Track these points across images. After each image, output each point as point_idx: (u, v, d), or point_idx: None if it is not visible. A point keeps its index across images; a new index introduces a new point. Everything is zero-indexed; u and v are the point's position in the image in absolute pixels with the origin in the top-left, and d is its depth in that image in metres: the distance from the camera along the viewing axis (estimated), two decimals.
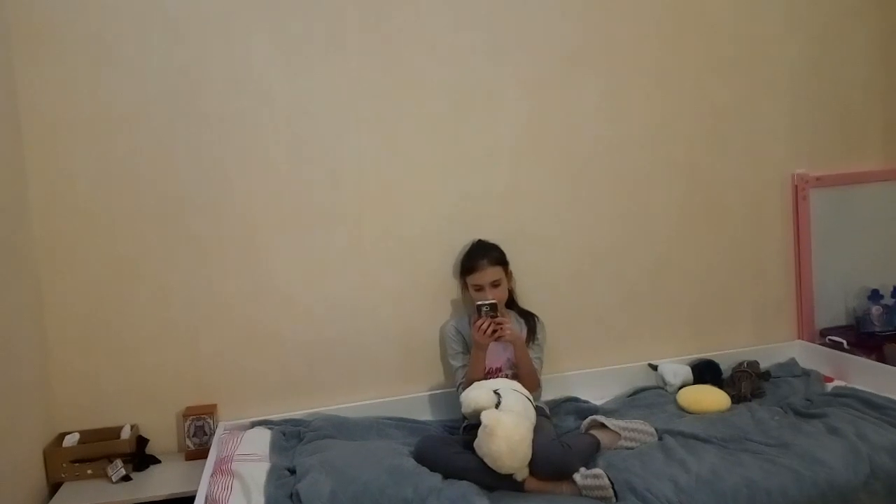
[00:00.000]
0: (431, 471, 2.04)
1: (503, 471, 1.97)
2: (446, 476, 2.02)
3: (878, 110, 3.10)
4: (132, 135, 2.44)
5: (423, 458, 2.11)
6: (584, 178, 2.82)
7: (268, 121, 2.53)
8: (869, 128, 3.10)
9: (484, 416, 1.99)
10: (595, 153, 2.82)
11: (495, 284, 2.50)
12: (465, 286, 2.61)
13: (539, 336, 2.60)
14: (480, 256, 2.54)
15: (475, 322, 2.39)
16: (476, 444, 2.00)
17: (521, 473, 2.00)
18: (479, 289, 2.50)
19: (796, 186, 3.01)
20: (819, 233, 3.02)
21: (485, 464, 1.97)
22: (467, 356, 2.51)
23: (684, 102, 2.88)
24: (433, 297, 2.69)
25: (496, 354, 2.50)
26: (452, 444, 2.18)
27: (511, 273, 2.61)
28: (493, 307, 2.39)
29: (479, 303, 2.40)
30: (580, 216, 2.83)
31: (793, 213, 3.03)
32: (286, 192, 2.57)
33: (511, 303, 2.64)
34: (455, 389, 2.50)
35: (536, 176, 2.77)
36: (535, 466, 2.01)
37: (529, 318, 2.63)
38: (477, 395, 2.11)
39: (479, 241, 2.62)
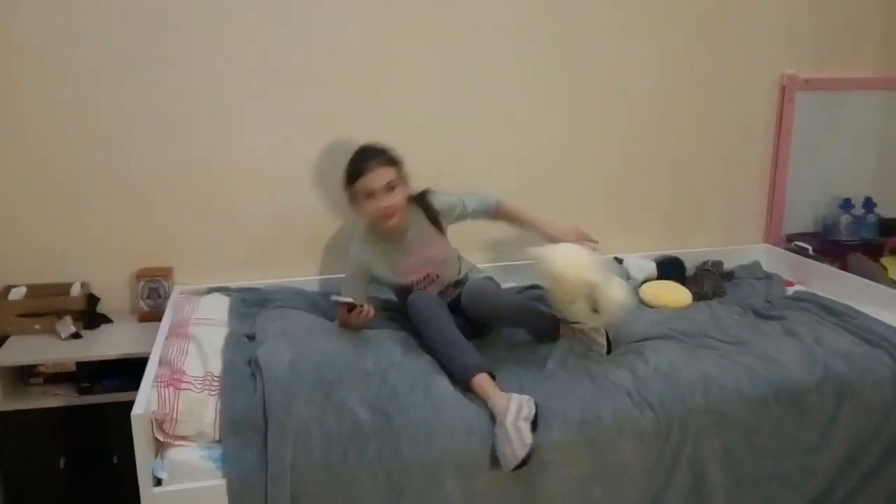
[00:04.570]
0: (420, 322, 2.06)
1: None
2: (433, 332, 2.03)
3: (877, 14, 2.98)
4: None
5: (419, 308, 2.09)
6: (570, 64, 2.69)
7: None
8: (866, 32, 2.99)
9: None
10: (586, 38, 2.68)
11: (389, 188, 2.17)
12: (355, 201, 2.23)
13: (443, 200, 2.33)
14: (367, 158, 2.20)
15: (338, 317, 2.15)
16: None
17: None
18: (371, 195, 2.16)
19: (784, 87, 2.92)
20: (800, 137, 2.97)
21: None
22: (361, 290, 2.25)
23: None
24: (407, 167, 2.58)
25: (418, 263, 2.26)
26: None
27: (406, 175, 2.26)
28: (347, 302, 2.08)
29: (335, 299, 2.09)
30: (563, 102, 2.72)
31: (776, 116, 2.96)
32: (255, 53, 2.40)
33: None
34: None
35: (521, 59, 2.64)
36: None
37: (422, 200, 2.32)
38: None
39: (364, 145, 2.26)
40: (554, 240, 2.24)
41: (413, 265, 2.26)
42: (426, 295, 2.16)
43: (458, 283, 2.30)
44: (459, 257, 2.37)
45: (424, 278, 2.27)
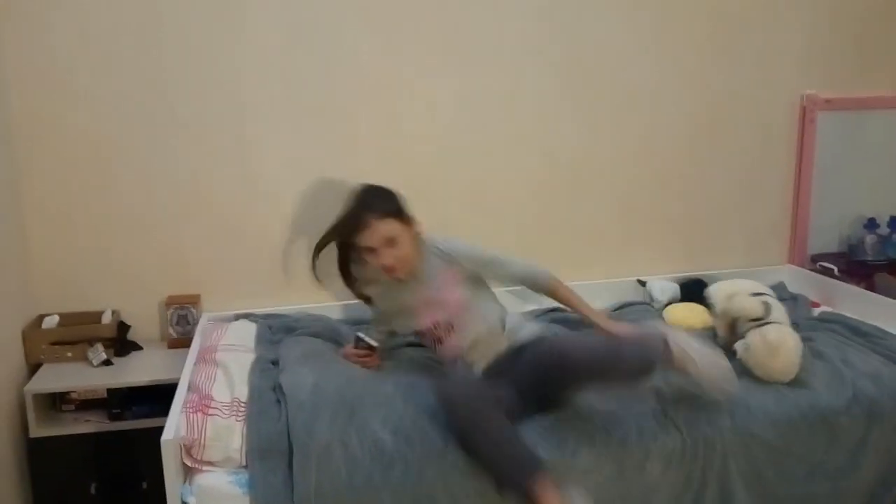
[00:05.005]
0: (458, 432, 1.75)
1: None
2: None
3: (894, 33, 2.97)
4: (115, 9, 2.29)
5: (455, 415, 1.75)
6: (588, 85, 2.72)
7: (262, 2, 2.39)
8: (885, 51, 2.98)
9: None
10: (601, 60, 2.70)
11: (390, 243, 1.97)
12: (357, 254, 2.05)
13: (469, 249, 2.10)
14: (362, 210, 1.97)
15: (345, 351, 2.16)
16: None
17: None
18: (372, 251, 1.97)
19: (804, 108, 2.92)
20: (822, 157, 2.95)
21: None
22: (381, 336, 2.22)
23: (696, 9, 2.75)
24: (426, 196, 2.59)
25: (425, 305, 2.07)
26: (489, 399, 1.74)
27: (412, 221, 2.05)
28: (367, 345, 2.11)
29: (360, 335, 2.13)
30: (582, 123, 2.74)
31: (798, 136, 2.95)
32: (278, 80, 2.45)
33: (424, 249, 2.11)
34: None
35: (539, 80, 2.66)
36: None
37: (433, 244, 2.10)
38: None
39: (363, 188, 2.04)
40: (607, 332, 2.08)
41: (421, 306, 2.08)
42: (458, 386, 1.79)
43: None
44: (506, 315, 2.13)
45: (434, 326, 2.07)
